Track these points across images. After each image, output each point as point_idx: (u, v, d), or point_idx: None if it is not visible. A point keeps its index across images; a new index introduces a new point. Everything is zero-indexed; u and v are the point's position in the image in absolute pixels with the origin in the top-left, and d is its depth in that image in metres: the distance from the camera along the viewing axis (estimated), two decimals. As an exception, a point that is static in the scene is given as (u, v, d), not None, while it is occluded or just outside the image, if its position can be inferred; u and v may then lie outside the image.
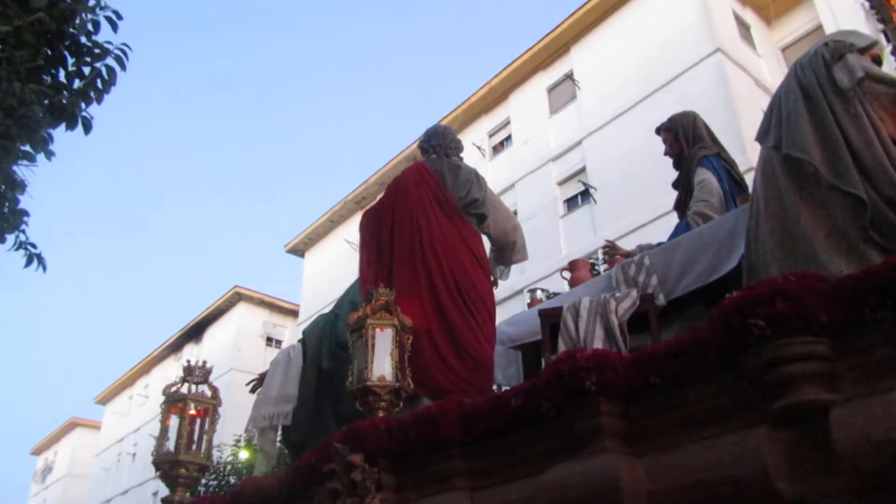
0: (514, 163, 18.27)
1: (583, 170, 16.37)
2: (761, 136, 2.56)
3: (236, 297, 26.97)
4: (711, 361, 1.86)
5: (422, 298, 3.12)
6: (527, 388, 2.18)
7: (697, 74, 14.50)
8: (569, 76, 17.64)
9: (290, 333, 26.30)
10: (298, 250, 25.43)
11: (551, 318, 2.94)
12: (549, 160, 17.31)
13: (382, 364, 2.73)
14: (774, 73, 15.39)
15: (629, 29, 16.44)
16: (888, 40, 1.87)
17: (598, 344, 2.69)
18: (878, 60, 2.43)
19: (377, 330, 2.79)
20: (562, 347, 2.77)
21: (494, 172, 18.62)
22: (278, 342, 26.64)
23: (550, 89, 18.29)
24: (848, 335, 1.68)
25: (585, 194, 16.01)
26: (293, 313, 26.65)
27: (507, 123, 19.18)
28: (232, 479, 16.38)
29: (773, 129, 2.46)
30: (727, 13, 15.60)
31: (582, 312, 2.82)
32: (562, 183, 16.96)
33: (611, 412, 2.01)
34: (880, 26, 1.97)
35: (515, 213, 17.38)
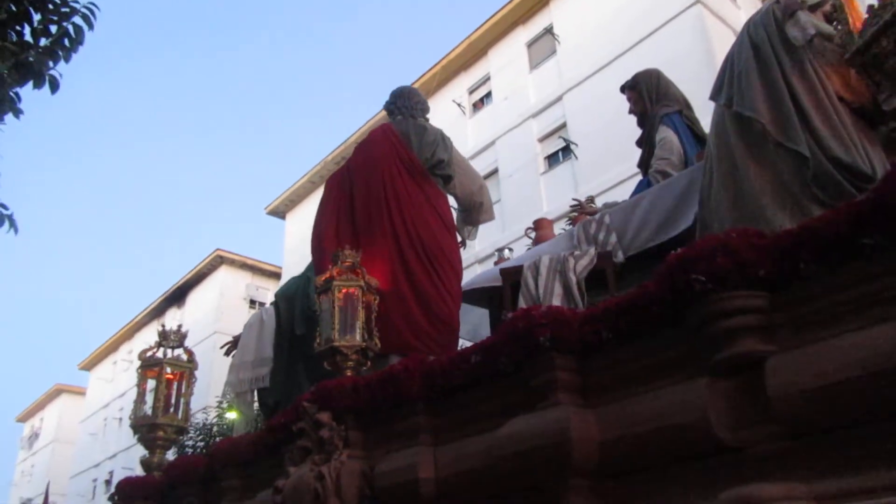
0: (495, 120, 18.16)
1: (563, 125, 16.31)
2: (715, 94, 2.60)
3: (218, 261, 26.89)
4: (659, 316, 1.93)
5: (390, 259, 3.17)
6: (485, 346, 2.24)
7: (677, 27, 14.39)
8: (548, 30, 17.45)
9: (273, 295, 26.32)
10: (279, 212, 25.30)
11: (513, 276, 3.00)
12: (529, 116, 17.22)
13: (349, 324, 2.79)
14: (754, 22, 15.30)
15: (609, -19, 16.23)
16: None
17: (557, 301, 2.75)
18: (829, 18, 2.46)
19: (344, 291, 2.84)
20: (522, 305, 2.84)
21: (475, 130, 18.53)
22: (261, 304, 26.64)
23: (530, 44, 18.10)
24: (785, 288, 1.75)
25: (566, 150, 15.98)
26: (275, 275, 26.63)
27: (486, 80, 19.00)
28: (218, 440, 16.52)
29: (726, 87, 2.50)
30: (707, -36, 15.42)
31: (542, 270, 2.87)
32: (542, 139, 16.90)
33: (565, 367, 2.08)
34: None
35: (496, 170, 17.35)
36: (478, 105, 19.28)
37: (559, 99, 16.59)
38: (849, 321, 1.63)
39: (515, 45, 18.37)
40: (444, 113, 19.23)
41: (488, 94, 18.90)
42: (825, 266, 1.68)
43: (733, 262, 1.75)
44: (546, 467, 1.99)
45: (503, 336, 2.16)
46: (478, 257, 15.43)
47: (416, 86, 19.92)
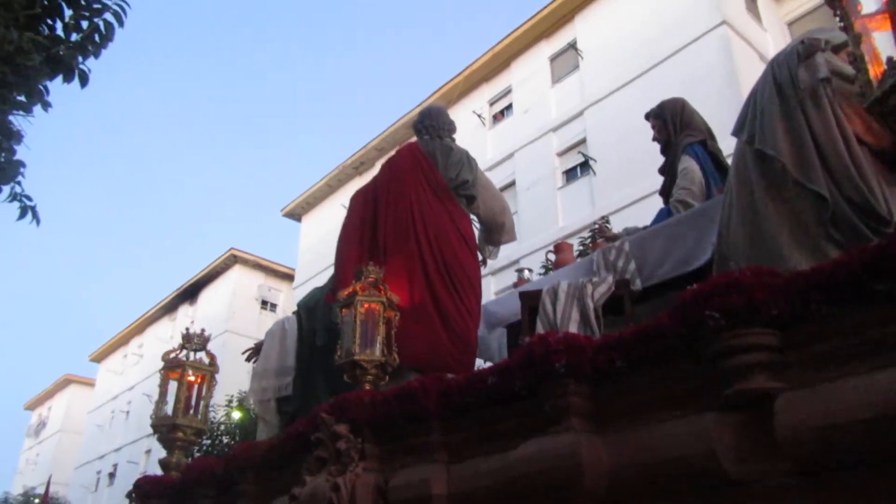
0: (514, 132, 18.21)
1: (583, 141, 16.31)
2: (737, 130, 2.65)
3: (232, 260, 26.94)
4: (672, 348, 1.98)
5: (412, 276, 3.24)
6: (502, 368, 2.31)
7: (702, 47, 14.36)
8: (572, 45, 17.48)
9: (286, 297, 26.39)
10: (295, 214, 25.38)
11: (531, 300, 3.06)
12: (549, 130, 17.26)
13: (370, 339, 2.86)
14: (780, 48, 15.24)
15: (635, -2, 16.27)
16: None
17: (574, 327, 2.81)
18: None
19: (366, 305, 2.91)
20: (539, 329, 2.89)
21: (494, 142, 18.60)
22: (273, 306, 26.73)
23: (553, 58, 18.14)
24: (797, 328, 1.80)
25: (585, 166, 15.98)
26: (289, 277, 26.69)
27: (508, 92, 19.06)
28: (225, 439, 16.66)
29: (748, 123, 2.56)
30: (734, -16, 15.42)
31: (560, 295, 2.93)
32: (561, 154, 16.92)
33: (579, 393, 2.13)
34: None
35: (513, 183, 17.40)
36: (498, 117, 19.34)
37: (580, 114, 16.62)
38: (860, 363, 1.67)
39: (538, 58, 18.43)
40: (464, 123, 19.30)
41: (509, 107, 18.96)
42: (837, 309, 1.73)
43: (747, 301, 1.80)
44: (556, 491, 2.05)
45: (519, 360, 2.22)
46: (492, 269, 15.48)
47: (437, 95, 20.01)
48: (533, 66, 18.47)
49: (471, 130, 19.03)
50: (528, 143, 17.65)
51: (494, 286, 15.16)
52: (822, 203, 2.27)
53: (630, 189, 14.00)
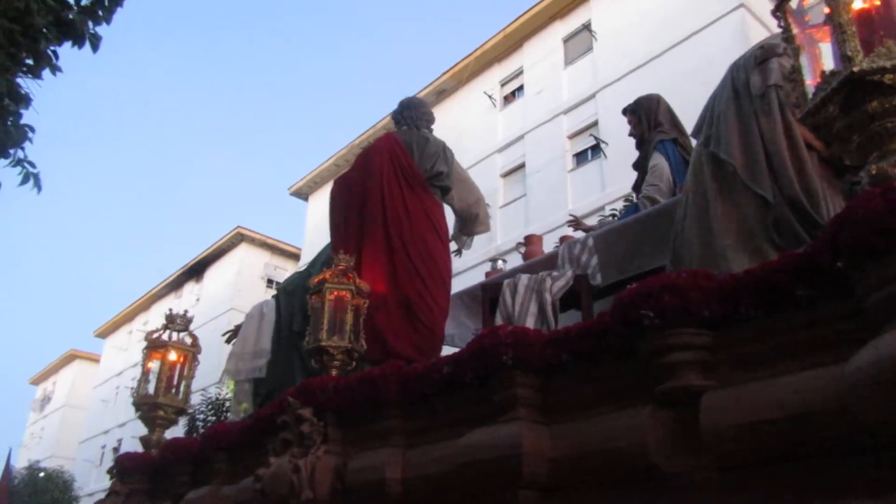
0: (525, 114, 18.12)
1: (595, 124, 16.18)
2: (696, 132, 2.67)
3: (238, 238, 26.97)
4: (613, 345, 2.05)
5: (380, 266, 3.31)
6: (456, 358, 2.38)
7: (718, 30, 14.14)
8: (586, 27, 17.31)
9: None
10: (302, 193, 25.29)
11: (492, 292, 3.11)
12: (560, 112, 17.15)
13: (337, 326, 2.94)
14: (797, 32, 15.00)
15: (651, -21, 16.05)
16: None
17: (531, 320, 2.86)
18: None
19: (335, 293, 2.98)
20: (498, 321, 2.95)
21: (505, 123, 18.53)
22: (279, 284, 26.70)
23: (566, 39, 17.97)
24: (728, 328, 1.87)
25: (596, 149, 15.88)
26: (294, 256, 26.67)
27: (520, 73, 18.93)
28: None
29: (706, 126, 2.58)
30: (752, -33, 15.17)
31: (519, 288, 2.98)
32: (572, 136, 16.82)
33: (526, 384, 2.21)
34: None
35: (523, 165, 17.37)
36: (509, 98, 19.24)
37: (592, 97, 16.48)
38: (781, 364, 1.74)
39: (551, 39, 18.27)
40: (474, 104, 19.25)
41: (520, 88, 18.85)
42: (765, 312, 1.78)
43: (680, 301, 1.87)
44: (499, 478, 2.13)
45: (470, 351, 2.29)
46: (499, 251, 15.49)
47: (448, 76, 19.85)
48: (546, 47, 18.32)
49: (481, 111, 18.97)
50: (539, 125, 17.56)
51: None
52: (766, 206, 2.30)
53: (640, 174, 13.88)
